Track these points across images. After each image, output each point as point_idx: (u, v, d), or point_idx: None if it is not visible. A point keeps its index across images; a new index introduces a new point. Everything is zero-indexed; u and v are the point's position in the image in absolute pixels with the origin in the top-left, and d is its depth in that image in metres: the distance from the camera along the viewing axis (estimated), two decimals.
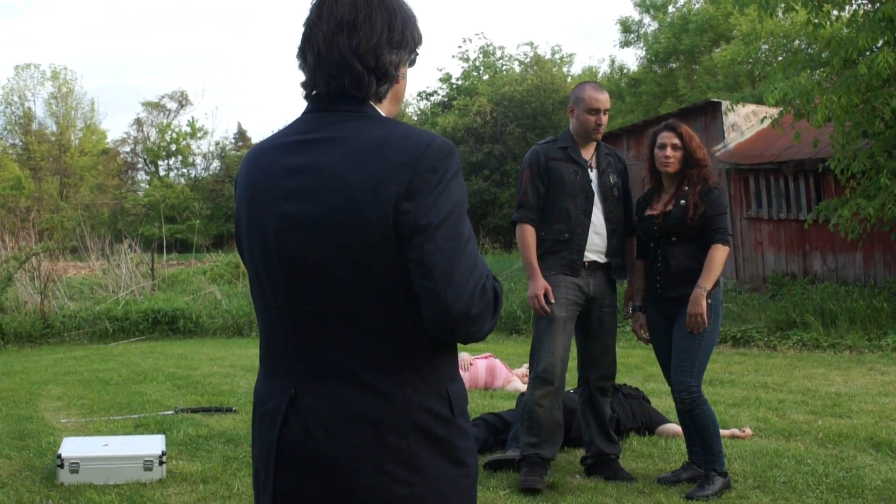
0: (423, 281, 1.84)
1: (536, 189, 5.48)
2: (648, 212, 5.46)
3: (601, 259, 5.51)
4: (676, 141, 5.35)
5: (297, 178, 1.93)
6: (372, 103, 2.00)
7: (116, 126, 64.86)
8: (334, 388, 1.90)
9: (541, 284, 5.35)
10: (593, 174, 5.53)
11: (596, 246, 5.48)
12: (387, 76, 1.99)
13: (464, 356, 9.15)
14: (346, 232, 1.86)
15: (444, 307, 1.84)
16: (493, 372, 9.10)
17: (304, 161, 1.94)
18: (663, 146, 5.36)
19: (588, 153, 5.57)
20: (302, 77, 2.05)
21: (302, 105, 2.07)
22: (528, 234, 5.47)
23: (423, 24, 2.10)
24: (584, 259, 5.45)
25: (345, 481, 1.88)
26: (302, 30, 2.02)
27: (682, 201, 5.26)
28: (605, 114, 5.51)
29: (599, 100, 5.49)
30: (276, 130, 2.12)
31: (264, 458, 1.98)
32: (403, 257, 1.86)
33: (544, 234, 5.48)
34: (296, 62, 2.06)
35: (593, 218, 5.46)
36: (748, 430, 6.46)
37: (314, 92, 2.01)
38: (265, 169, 2.01)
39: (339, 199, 1.87)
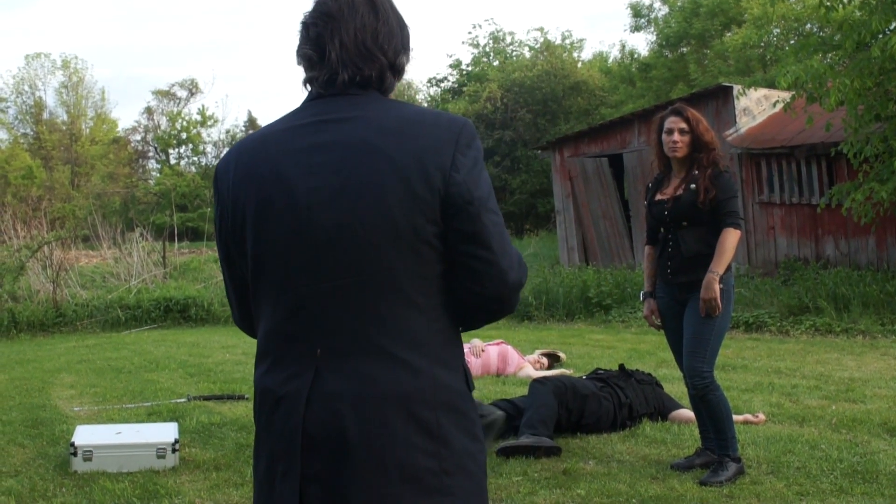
0: (481, 251, 1.92)
1: None
2: (658, 197, 5.42)
3: None
4: (683, 125, 5.30)
5: (326, 153, 1.94)
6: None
7: (127, 115, 64.82)
8: (362, 364, 1.90)
9: None
10: None
11: None
12: (400, 74, 2.09)
13: (476, 343, 9.15)
14: (390, 201, 1.88)
15: (502, 276, 1.94)
16: (505, 358, 9.10)
17: (330, 138, 1.95)
18: (670, 131, 5.32)
19: None
20: (308, 72, 2.06)
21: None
22: None
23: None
24: None
25: (375, 457, 1.88)
26: (310, 28, 2.04)
27: (693, 185, 5.22)
28: None
29: None
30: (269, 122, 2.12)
31: (285, 445, 1.94)
32: (446, 229, 1.91)
33: None
34: (300, 59, 2.07)
35: None
36: (761, 416, 6.44)
37: (332, 80, 2.01)
38: (283, 149, 1.99)
39: (382, 168, 1.89)
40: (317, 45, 2.02)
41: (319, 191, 1.92)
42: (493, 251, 1.92)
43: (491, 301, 1.97)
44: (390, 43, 2.04)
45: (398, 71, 2.07)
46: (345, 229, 1.89)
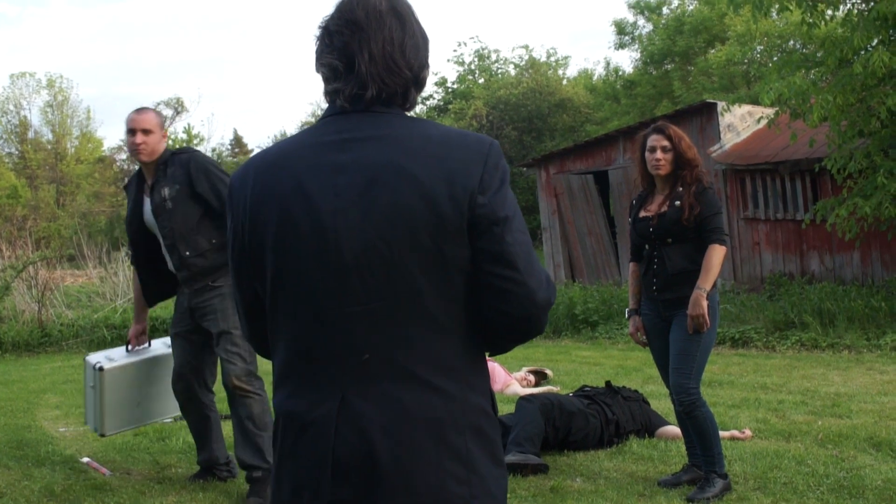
0: (508, 271, 1.89)
1: (127, 227, 5.65)
2: (643, 214, 5.44)
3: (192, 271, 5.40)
4: (666, 143, 5.32)
5: (352, 174, 1.89)
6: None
7: (112, 134, 64.89)
8: (391, 388, 1.87)
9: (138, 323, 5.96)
10: (147, 199, 5.48)
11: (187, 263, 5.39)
12: (422, 88, 2.06)
13: None
14: (417, 223, 1.85)
15: (530, 296, 1.91)
16: (492, 375, 9.08)
17: (356, 157, 1.91)
18: (653, 149, 5.34)
19: (151, 177, 5.49)
20: (331, 83, 2.01)
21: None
22: (135, 277, 5.81)
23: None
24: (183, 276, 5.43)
25: (405, 482, 1.86)
26: (334, 37, 1.98)
27: (677, 202, 5.24)
28: (144, 133, 5.31)
29: (134, 119, 5.36)
30: (281, 137, 2.09)
31: (312, 472, 1.90)
32: (472, 250, 1.88)
33: (160, 265, 5.62)
34: (322, 68, 2.02)
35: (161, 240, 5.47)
36: (748, 432, 6.45)
37: (358, 95, 1.97)
38: (306, 167, 1.94)
39: (409, 190, 1.86)
40: (344, 54, 1.96)
41: (346, 213, 1.88)
42: (519, 271, 1.89)
43: (520, 321, 1.93)
44: (416, 57, 2.00)
45: (421, 85, 2.04)
46: (372, 252, 1.86)
